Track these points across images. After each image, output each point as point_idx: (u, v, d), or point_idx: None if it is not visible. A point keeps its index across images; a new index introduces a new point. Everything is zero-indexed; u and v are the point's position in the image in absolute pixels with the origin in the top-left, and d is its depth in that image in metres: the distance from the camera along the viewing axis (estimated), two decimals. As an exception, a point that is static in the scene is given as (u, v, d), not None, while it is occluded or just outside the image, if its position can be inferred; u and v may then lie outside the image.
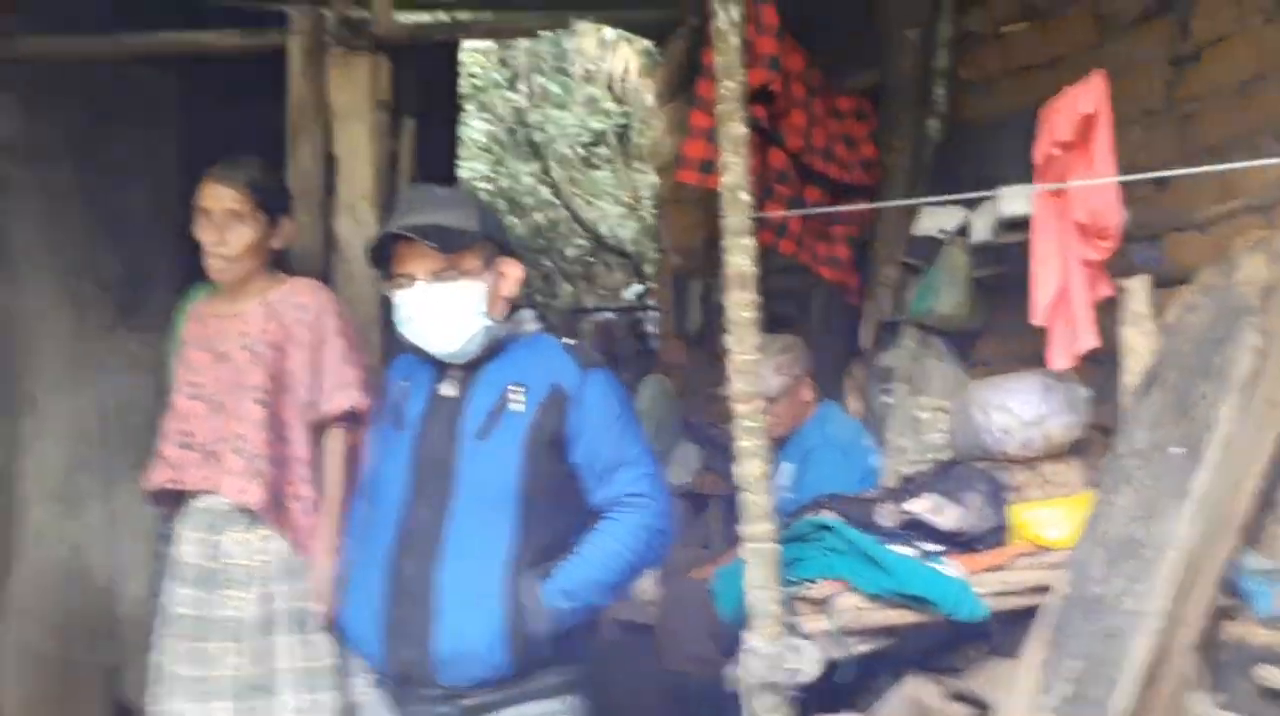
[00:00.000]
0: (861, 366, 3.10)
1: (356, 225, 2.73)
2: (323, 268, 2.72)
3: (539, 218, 9.66)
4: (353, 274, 2.73)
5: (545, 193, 9.70)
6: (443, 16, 4.90)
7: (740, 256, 1.89)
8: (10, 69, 2.77)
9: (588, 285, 9.85)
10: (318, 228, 2.75)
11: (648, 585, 3.70)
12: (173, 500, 2.16)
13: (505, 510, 1.73)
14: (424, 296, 1.74)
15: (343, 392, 2.13)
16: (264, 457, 2.04)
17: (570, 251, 9.79)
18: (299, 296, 2.16)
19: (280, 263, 2.26)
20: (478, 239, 1.79)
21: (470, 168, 8.87)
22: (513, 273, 1.84)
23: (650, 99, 7.59)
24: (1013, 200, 2.38)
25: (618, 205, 9.88)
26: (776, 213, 2.58)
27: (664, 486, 1.86)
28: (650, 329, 7.45)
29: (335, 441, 2.15)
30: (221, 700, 2.01)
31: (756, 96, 2.32)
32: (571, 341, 1.91)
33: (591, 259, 9.83)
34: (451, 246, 1.74)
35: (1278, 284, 1.92)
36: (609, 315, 8.62)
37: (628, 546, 1.76)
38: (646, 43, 6.95)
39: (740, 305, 1.88)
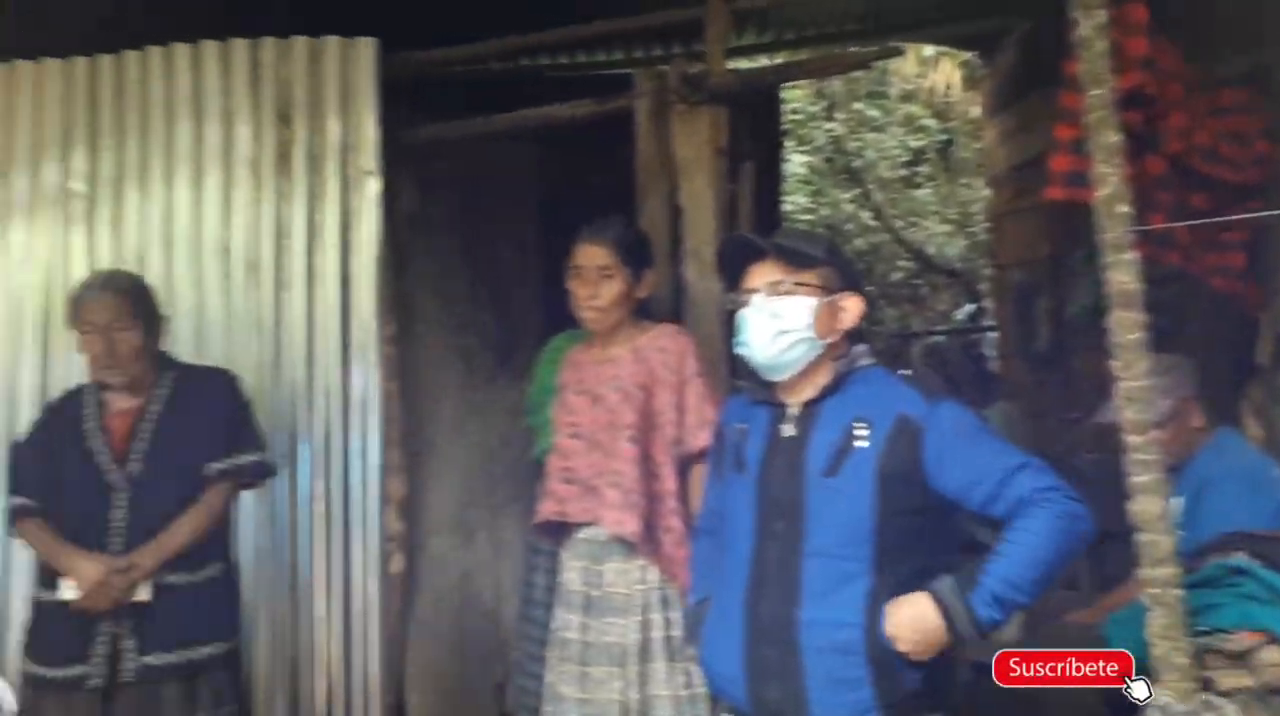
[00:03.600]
0: (1260, 386, 2.74)
1: (703, 269, 2.86)
2: (673, 311, 2.87)
3: (860, 243, 9.55)
4: (701, 316, 2.85)
5: (866, 217, 9.57)
6: (765, 60, 5.05)
7: (1123, 273, 1.75)
8: (407, 152, 3.19)
9: (914, 308, 9.55)
10: (667, 275, 2.92)
11: (1011, 628, 3.48)
12: (558, 531, 2.36)
13: (861, 546, 1.70)
14: (759, 308, 1.78)
15: (704, 429, 2.22)
16: (638, 492, 2.18)
17: (894, 275, 9.57)
18: (662, 341, 2.29)
19: (643, 310, 2.41)
20: (820, 262, 1.80)
21: (791, 201, 8.97)
22: (853, 306, 1.83)
23: (976, 111, 7.27)
24: None
25: (943, 223, 9.51)
26: (1159, 224, 2.36)
27: (1065, 481, 1.71)
28: (986, 351, 7.07)
29: (698, 475, 2.24)
30: (608, 721, 2.15)
31: (1129, 101, 2.14)
32: (907, 373, 1.86)
33: (917, 281, 9.54)
34: (793, 261, 1.78)
35: None
36: (939, 338, 8.30)
37: (1051, 540, 1.65)
38: (968, 55, 6.68)
39: (1126, 326, 1.74)
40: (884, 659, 1.67)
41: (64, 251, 3.09)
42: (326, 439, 2.96)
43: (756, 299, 1.79)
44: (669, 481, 2.22)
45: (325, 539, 2.94)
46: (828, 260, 1.82)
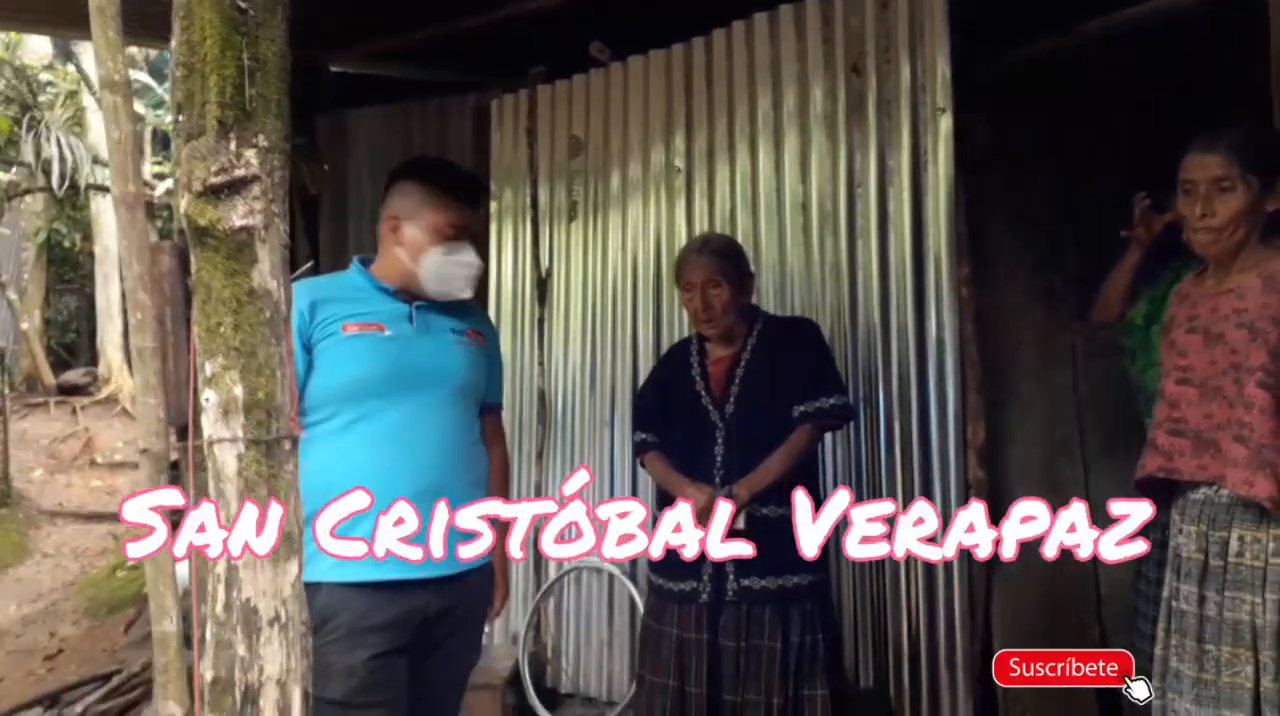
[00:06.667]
0: None
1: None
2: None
3: None
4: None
5: None
6: None
7: None
8: (977, 84, 3.01)
9: None
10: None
11: None
12: (1166, 489, 2.07)
13: None
14: None
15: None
16: (1272, 448, 1.81)
17: None
18: (1303, 264, 1.87)
19: (1273, 227, 1.99)
20: None
21: None
22: None
23: None
24: None
25: None
26: None
27: None
28: None
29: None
30: (1234, 710, 1.84)
31: None
32: None
33: None
34: None
35: None
36: None
37: None
38: None
39: None
40: None
41: (669, 220, 3.51)
42: (902, 382, 2.97)
43: None
44: (1323, 437, 1.81)
45: (903, 482, 2.95)
46: None
